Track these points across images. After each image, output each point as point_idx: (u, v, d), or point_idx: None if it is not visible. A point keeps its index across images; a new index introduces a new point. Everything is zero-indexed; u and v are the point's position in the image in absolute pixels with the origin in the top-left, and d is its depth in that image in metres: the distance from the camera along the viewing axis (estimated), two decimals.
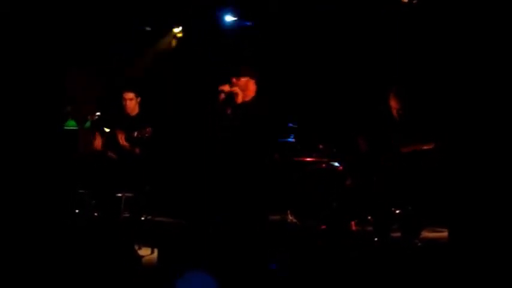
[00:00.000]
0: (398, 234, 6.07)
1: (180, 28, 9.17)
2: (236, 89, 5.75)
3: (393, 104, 6.08)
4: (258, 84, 5.82)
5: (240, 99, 5.75)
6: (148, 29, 9.11)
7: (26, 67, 5.02)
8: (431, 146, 5.79)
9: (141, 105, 6.79)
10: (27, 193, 5.02)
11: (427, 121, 6.03)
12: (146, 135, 6.30)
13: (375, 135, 6.14)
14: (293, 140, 7.65)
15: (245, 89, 5.77)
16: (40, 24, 5.06)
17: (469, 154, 4.71)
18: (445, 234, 6.44)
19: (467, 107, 4.80)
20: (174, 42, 9.26)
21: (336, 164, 7.19)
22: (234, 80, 5.78)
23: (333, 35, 8.07)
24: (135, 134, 6.37)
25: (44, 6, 5.10)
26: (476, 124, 4.70)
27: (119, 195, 6.50)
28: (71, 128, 7.87)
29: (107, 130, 6.84)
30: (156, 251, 5.75)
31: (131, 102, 6.72)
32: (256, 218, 5.65)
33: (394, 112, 6.09)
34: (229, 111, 5.80)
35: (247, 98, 5.78)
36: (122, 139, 6.48)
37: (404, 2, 7.12)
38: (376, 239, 5.98)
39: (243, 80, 5.77)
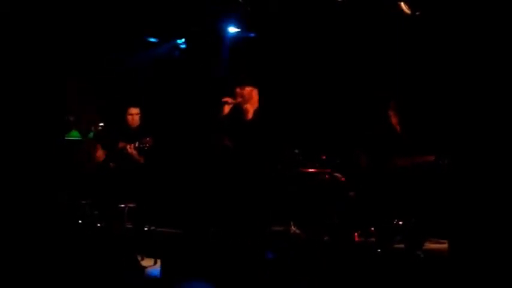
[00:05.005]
0: (401, 245, 6.07)
1: (183, 39, 9.20)
2: (245, 105, 5.67)
3: (392, 117, 6.12)
4: (261, 94, 5.76)
5: (250, 115, 5.68)
6: (151, 40, 9.14)
7: (26, 74, 5.01)
8: (431, 159, 5.81)
9: (142, 116, 6.83)
10: (28, 203, 5.00)
11: (425, 135, 6.06)
12: (147, 145, 6.32)
13: (375, 147, 6.15)
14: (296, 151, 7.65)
15: (249, 98, 5.69)
16: (41, 30, 5.05)
17: (470, 165, 4.71)
18: (447, 245, 6.44)
19: (467, 118, 4.81)
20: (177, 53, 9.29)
21: (339, 175, 7.19)
22: (238, 90, 5.69)
23: (336, 47, 8.10)
24: (136, 144, 6.40)
25: (46, 13, 5.10)
26: (477, 134, 4.71)
27: (122, 205, 6.51)
28: (74, 138, 7.89)
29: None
30: (159, 261, 5.75)
31: (136, 117, 6.78)
32: (258, 228, 5.64)
33: (394, 126, 6.12)
34: (237, 125, 5.72)
35: (252, 109, 5.71)
36: (130, 148, 6.49)
37: (407, 14, 7.13)
38: (379, 250, 5.98)
39: (248, 89, 5.69)
